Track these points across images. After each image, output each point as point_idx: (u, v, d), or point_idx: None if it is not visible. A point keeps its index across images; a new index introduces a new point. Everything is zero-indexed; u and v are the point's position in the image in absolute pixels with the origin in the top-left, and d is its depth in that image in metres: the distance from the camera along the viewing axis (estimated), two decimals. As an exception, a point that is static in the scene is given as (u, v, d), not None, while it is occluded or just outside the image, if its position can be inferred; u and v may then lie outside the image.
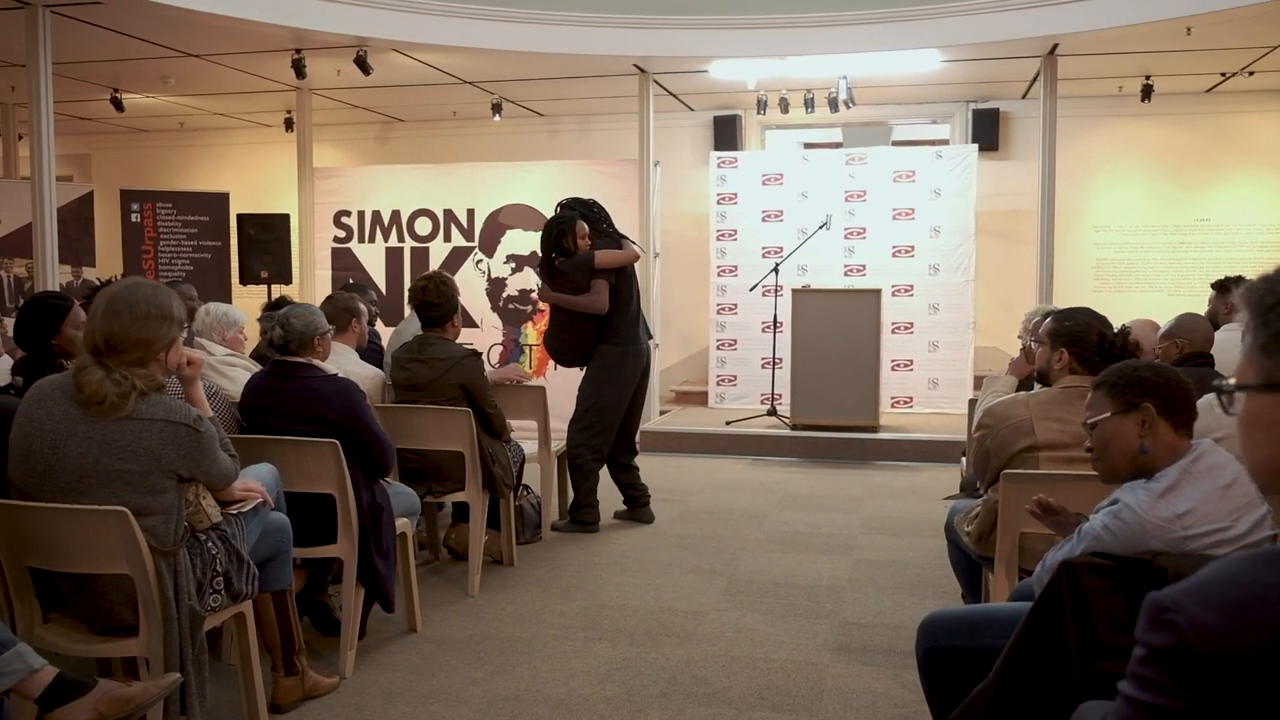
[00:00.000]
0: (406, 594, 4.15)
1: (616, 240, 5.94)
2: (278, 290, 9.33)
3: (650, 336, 6.23)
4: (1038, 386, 3.70)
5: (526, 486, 5.52)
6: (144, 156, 11.92)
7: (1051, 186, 8.20)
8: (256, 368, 4.38)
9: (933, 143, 10.95)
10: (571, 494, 5.92)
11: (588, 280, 5.68)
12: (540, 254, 5.92)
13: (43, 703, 2.42)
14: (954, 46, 8.03)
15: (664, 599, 4.63)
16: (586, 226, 5.78)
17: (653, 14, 8.08)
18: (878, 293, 8.20)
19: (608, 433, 5.90)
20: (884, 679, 3.70)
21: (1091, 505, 2.90)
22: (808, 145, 10.98)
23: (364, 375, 4.50)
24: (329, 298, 4.84)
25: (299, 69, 7.98)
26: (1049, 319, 3.38)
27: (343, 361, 4.36)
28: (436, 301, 4.68)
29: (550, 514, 5.78)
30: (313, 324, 3.81)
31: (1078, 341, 3.21)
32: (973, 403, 5.14)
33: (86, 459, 2.69)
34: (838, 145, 10.51)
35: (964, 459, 5.53)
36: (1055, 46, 7.90)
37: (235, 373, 4.34)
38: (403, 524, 4.04)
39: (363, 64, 7.84)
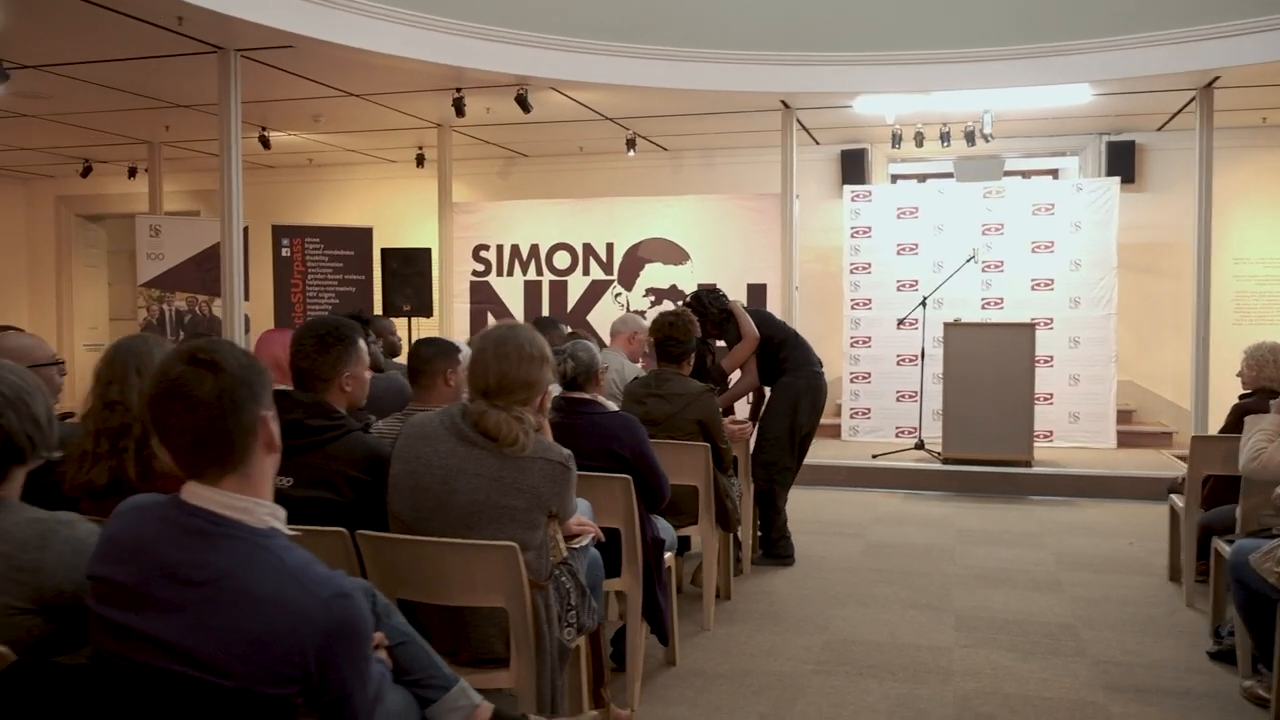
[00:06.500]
0: (666, 627, 4.20)
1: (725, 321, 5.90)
2: (417, 324, 9.51)
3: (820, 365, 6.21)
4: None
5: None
6: (270, 192, 12.17)
7: (1208, 221, 8.14)
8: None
9: (1043, 172, 10.99)
10: (762, 529, 5.97)
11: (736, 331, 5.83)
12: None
13: (483, 737, 2.48)
14: (1106, 81, 8.03)
15: (899, 634, 4.65)
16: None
17: (801, 50, 8.16)
18: (1031, 327, 8.19)
19: (791, 465, 5.95)
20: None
21: None
22: (919, 178, 11.03)
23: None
24: (576, 340, 4.91)
25: (459, 107, 8.14)
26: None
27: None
28: (681, 339, 4.77)
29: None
30: (596, 358, 3.90)
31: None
32: (1197, 438, 5.10)
33: (478, 495, 2.78)
34: (948, 175, 10.56)
35: (1173, 496, 5.51)
36: (1215, 80, 7.88)
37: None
38: (668, 558, 4.10)
39: (523, 102, 7.99)
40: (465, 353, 3.82)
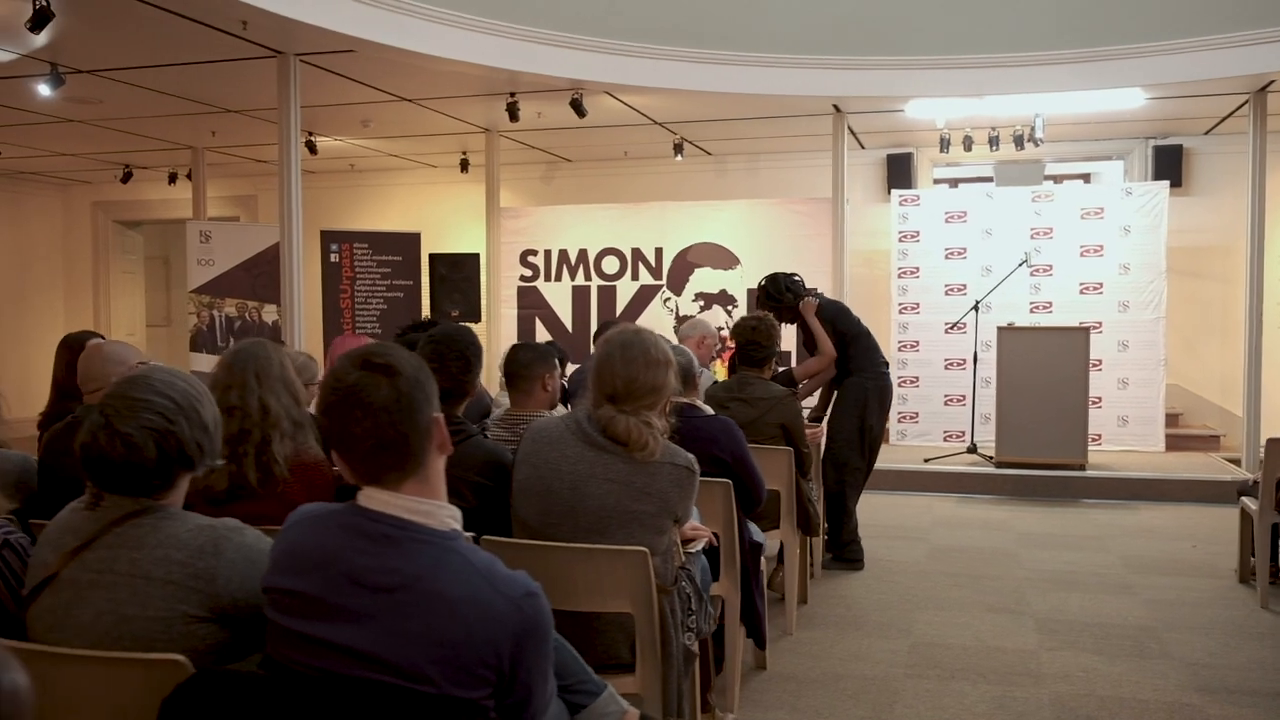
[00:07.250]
0: (755, 631, 4.21)
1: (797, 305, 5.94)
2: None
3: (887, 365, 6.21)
4: None
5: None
6: (311, 197, 12.14)
7: (1261, 225, 8.11)
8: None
9: (1076, 177, 11.00)
10: (830, 533, 5.97)
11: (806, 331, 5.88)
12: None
13: (631, 745, 2.48)
14: (1159, 85, 8.00)
15: (983, 638, 4.64)
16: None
17: (854, 54, 8.16)
18: (1085, 331, 8.18)
19: (862, 465, 5.95)
20: (1276, 723, 3.68)
21: None
22: (951, 183, 11.06)
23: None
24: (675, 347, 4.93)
25: (513, 112, 8.17)
26: None
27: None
28: (764, 343, 4.77)
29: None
30: (693, 362, 3.91)
31: None
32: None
33: (608, 500, 2.78)
34: (987, 180, 10.55)
35: (1244, 499, 5.49)
36: (1269, 84, 7.85)
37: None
38: (762, 561, 4.11)
39: (578, 106, 8.01)
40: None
